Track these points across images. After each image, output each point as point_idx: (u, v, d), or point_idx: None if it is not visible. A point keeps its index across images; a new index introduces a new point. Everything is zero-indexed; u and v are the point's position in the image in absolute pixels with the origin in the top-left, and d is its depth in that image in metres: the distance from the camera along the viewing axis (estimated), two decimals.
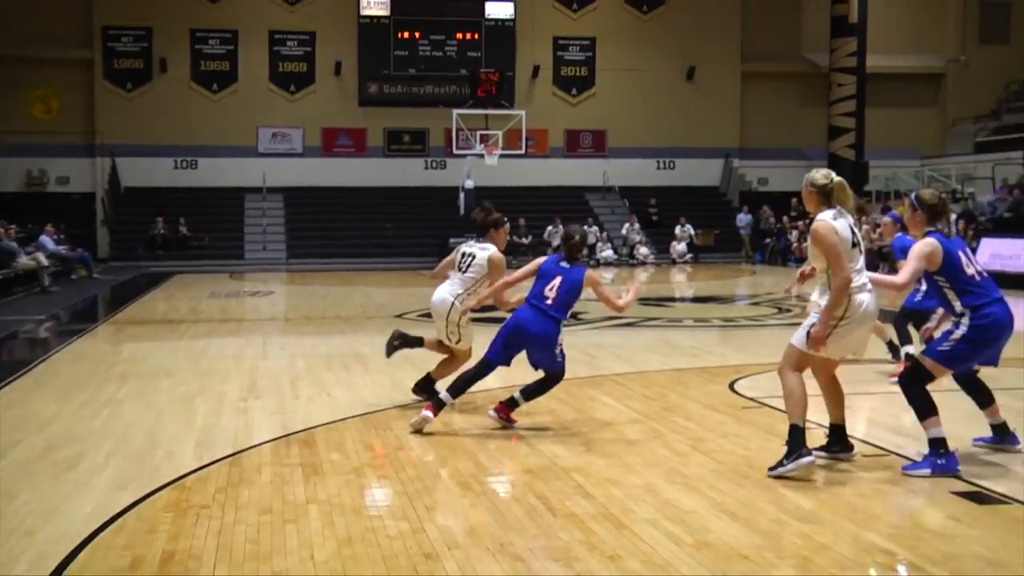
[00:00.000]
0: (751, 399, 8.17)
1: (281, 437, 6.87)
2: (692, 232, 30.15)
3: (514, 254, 28.51)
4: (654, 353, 11.22)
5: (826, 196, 5.84)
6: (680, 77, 33.81)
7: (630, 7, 33.73)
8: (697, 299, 19.46)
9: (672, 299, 19.76)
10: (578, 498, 5.38)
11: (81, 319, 15.77)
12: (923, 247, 5.82)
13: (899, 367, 8.12)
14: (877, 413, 7.60)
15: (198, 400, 8.30)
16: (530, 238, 28.80)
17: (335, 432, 7.05)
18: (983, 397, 6.27)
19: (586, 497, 5.38)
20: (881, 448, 6.43)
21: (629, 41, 33.35)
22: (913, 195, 6.06)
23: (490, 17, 32.75)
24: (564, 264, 7.08)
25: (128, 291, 20.36)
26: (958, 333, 5.78)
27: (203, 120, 31.23)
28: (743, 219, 31.25)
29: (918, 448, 6.30)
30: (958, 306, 5.83)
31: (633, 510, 5.16)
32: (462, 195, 28.33)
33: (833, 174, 5.92)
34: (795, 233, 28.07)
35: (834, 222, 5.73)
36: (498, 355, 7.07)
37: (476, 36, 32.66)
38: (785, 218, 29.75)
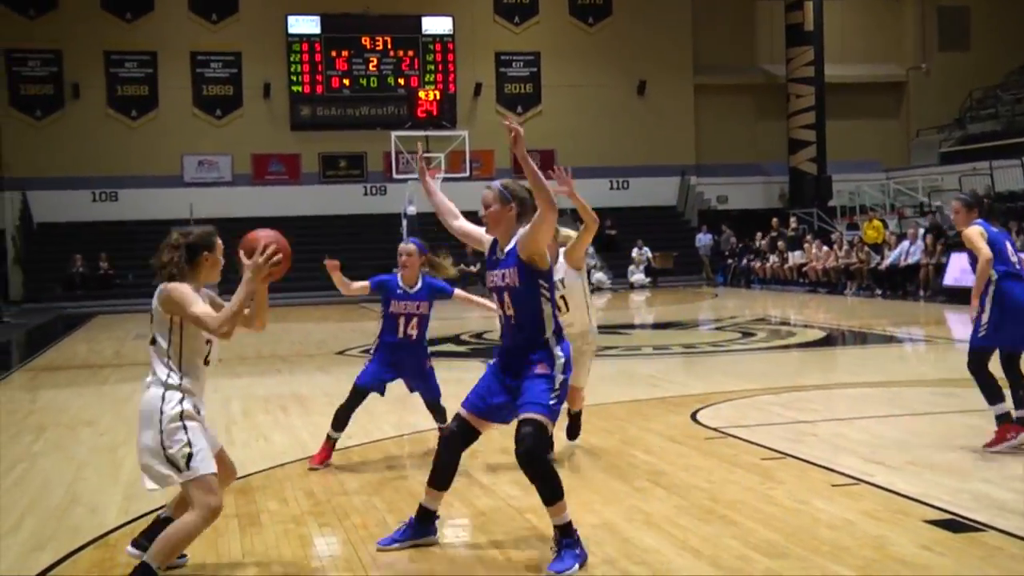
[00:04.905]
0: (715, 429, 8.25)
1: None
2: (650, 255, 30.40)
3: (464, 282, 28.58)
4: (612, 384, 11.28)
5: None
6: (630, 92, 34.21)
7: (576, 19, 34.13)
8: (657, 325, 19.61)
9: (631, 326, 19.89)
10: (533, 540, 5.40)
11: None
12: None
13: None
14: (846, 440, 7.71)
15: (123, 450, 8.20)
16: (479, 265, 28.83)
17: (273, 479, 7.01)
18: None
19: (542, 539, 5.40)
20: (850, 476, 6.53)
21: (576, 55, 33.71)
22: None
23: (427, 33, 32.96)
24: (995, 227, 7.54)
25: (44, 335, 20.05)
26: None
27: (122, 149, 31.01)
28: (703, 239, 31.56)
29: (889, 476, 6.43)
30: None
31: (592, 551, 5.18)
32: (404, 222, 28.37)
33: None
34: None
35: None
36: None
37: (413, 53, 32.83)
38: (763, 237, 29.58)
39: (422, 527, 5.39)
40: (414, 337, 7.39)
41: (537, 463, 4.99)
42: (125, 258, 28.85)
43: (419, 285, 7.42)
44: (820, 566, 4.87)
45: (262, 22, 31.96)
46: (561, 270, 7.17)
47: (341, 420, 7.33)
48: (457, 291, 7.63)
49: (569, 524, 5.02)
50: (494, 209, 5.30)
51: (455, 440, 5.30)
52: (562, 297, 7.11)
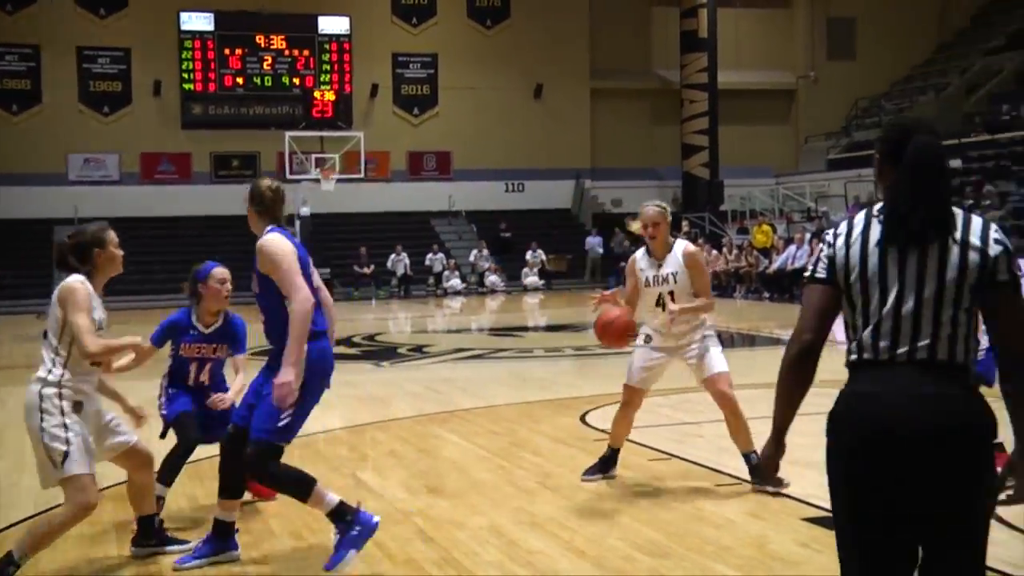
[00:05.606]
0: (603, 431, 8.31)
1: None
2: (543, 258, 30.55)
3: (356, 285, 28.38)
4: (503, 386, 11.32)
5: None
6: (527, 95, 34.37)
7: (473, 22, 34.15)
8: (550, 328, 19.73)
9: (524, 328, 19.98)
10: (418, 543, 5.37)
11: None
12: None
13: None
14: (731, 441, 7.82)
15: None
16: (372, 267, 28.68)
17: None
18: None
19: (427, 542, 5.38)
20: (734, 477, 6.64)
21: (473, 58, 33.73)
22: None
23: (324, 32, 32.63)
24: None
25: None
26: None
27: (2, 145, 30.00)
28: (592, 241, 31.74)
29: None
30: None
31: (477, 553, 5.19)
32: (298, 223, 27.98)
33: None
34: None
35: None
36: None
37: (309, 53, 32.46)
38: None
39: (222, 541, 5.19)
40: (207, 384, 6.22)
41: (260, 475, 5.09)
42: (4, 258, 27.95)
43: (218, 323, 6.15)
44: (702, 565, 4.94)
45: (153, 17, 31.24)
46: (675, 264, 6.71)
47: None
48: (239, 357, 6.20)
49: (339, 506, 4.94)
50: (247, 209, 5.28)
51: (235, 447, 5.08)
52: (670, 293, 6.69)
